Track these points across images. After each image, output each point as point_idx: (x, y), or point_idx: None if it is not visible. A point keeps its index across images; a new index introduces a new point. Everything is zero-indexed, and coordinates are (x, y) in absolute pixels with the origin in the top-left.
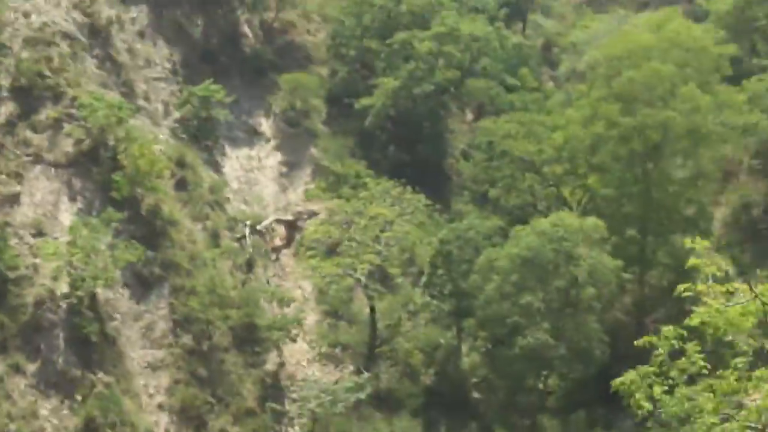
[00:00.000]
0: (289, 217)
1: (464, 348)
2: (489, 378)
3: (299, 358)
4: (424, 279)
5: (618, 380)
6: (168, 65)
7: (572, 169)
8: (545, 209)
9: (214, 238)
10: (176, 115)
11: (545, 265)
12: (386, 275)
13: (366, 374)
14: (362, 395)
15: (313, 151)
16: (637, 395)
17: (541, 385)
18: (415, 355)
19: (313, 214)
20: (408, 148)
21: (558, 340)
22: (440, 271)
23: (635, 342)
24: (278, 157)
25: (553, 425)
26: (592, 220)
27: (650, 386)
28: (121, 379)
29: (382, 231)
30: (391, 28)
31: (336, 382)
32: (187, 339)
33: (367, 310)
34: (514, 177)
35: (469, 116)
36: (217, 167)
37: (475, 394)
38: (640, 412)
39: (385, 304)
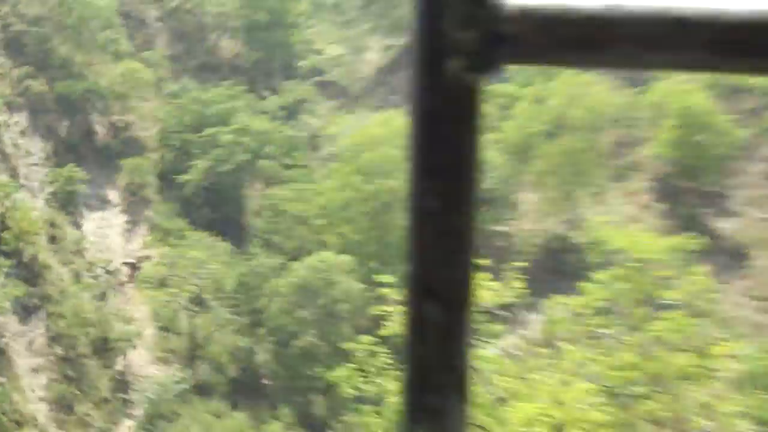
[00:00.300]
0: (132, 261)
1: (258, 349)
2: (276, 370)
3: (140, 361)
4: (229, 301)
5: (332, 374)
6: (42, 154)
7: (331, 221)
8: (313, 250)
9: (77, 277)
10: (49, 189)
11: (313, 289)
12: (202, 300)
13: (189, 371)
14: (186, 385)
15: (149, 213)
16: (343, 384)
17: (312, 373)
18: (224, 355)
19: (148, 258)
20: (218, 210)
21: (323, 341)
22: (240, 296)
23: (342, 345)
24: (123, 218)
25: (320, 401)
26: (345, 257)
27: (351, 378)
28: (11, 380)
29: (198, 268)
30: (203, 125)
31: (167, 377)
32: (58, 349)
33: (189, 325)
34: (291, 228)
35: (261, 185)
36: (78, 226)
37: (266, 381)
38: (346, 396)
39: (202, 320)
